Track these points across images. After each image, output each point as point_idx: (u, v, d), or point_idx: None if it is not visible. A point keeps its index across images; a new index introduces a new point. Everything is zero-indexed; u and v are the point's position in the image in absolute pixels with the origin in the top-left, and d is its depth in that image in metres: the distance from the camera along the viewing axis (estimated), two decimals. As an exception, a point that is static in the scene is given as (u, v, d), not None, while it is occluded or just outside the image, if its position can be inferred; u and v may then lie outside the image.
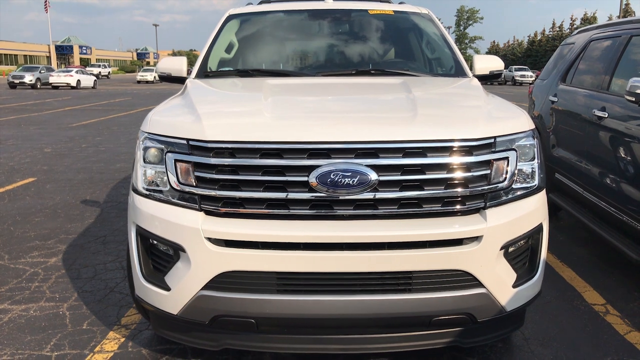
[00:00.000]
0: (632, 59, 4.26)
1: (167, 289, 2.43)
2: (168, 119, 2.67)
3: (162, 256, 2.50)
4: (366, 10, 4.25)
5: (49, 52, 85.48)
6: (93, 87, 37.03)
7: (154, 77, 46.34)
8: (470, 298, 2.35)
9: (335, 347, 2.52)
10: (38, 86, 35.62)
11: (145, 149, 2.52)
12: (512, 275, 2.47)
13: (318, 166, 2.25)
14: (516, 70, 48.22)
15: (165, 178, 2.43)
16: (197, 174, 2.35)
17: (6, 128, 13.11)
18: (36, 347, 2.96)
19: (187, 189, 2.37)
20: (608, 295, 3.69)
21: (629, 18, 4.80)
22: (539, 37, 76.44)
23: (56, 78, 35.69)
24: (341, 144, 2.28)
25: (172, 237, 2.37)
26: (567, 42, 5.92)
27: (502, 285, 2.41)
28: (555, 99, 5.31)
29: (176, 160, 2.40)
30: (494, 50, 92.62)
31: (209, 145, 2.33)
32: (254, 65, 4.06)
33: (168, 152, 2.43)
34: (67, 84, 35.43)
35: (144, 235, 2.51)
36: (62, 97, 26.65)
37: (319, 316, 2.32)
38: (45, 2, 76.31)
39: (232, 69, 4.01)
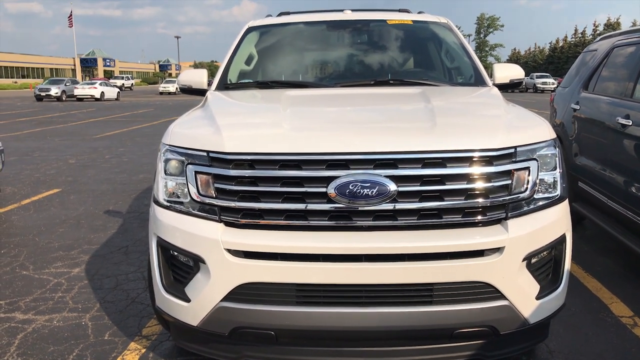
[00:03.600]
0: (657, 66, 4.18)
1: (187, 300, 2.44)
2: (188, 131, 2.70)
3: (182, 267, 2.52)
4: (385, 21, 4.25)
5: (74, 64, 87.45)
6: (116, 99, 37.71)
7: (176, 88, 46.96)
8: (493, 310, 2.31)
9: (355, 359, 2.50)
10: (63, 98, 36.40)
11: (166, 160, 2.55)
12: (535, 287, 2.42)
13: (337, 177, 2.25)
14: (537, 77, 47.78)
15: (186, 190, 2.45)
16: (217, 185, 2.37)
17: (33, 140, 13.40)
18: (59, 357, 3.00)
19: (207, 200, 2.39)
20: (636, 306, 3.59)
21: (653, 24, 4.72)
22: (560, 44, 75.58)
23: (81, 90, 36.46)
24: (360, 155, 2.28)
25: (192, 248, 2.39)
26: (589, 48, 5.84)
27: (524, 297, 2.37)
28: (577, 107, 5.23)
29: (196, 172, 2.42)
30: (515, 58, 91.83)
31: (229, 157, 2.35)
32: (273, 77, 4.08)
33: (189, 164, 2.45)
34: (92, 95, 36.16)
35: (164, 247, 2.53)
36: (86, 108, 27.17)
37: (339, 328, 2.31)
38: (70, 17, 78.12)
39: (251, 80, 4.04)
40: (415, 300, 2.29)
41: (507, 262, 2.28)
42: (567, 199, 2.59)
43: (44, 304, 3.69)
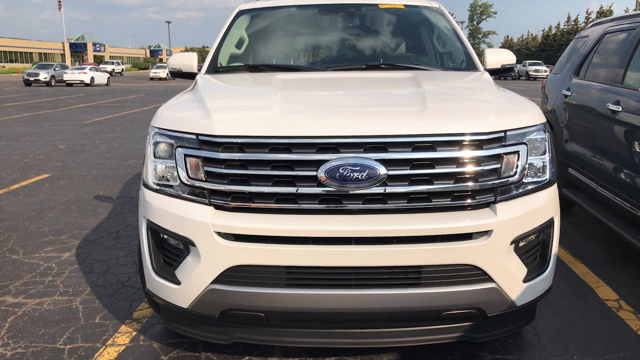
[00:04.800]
0: (647, 52, 4.19)
1: (178, 282, 2.45)
2: (178, 114, 2.69)
3: (172, 250, 2.52)
4: (377, 5, 4.22)
5: (63, 49, 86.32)
6: (107, 84, 37.33)
7: (167, 74, 46.60)
8: (480, 293, 2.33)
9: (345, 340, 2.53)
10: (52, 83, 35.97)
11: (156, 144, 2.54)
12: (523, 270, 2.45)
13: (327, 160, 2.25)
14: (530, 64, 47.82)
15: (175, 173, 2.45)
16: (206, 168, 2.36)
17: (21, 125, 13.27)
18: (50, 340, 3.00)
19: (196, 183, 2.38)
20: (621, 290, 3.65)
21: (644, 10, 4.72)
22: (553, 31, 75.54)
23: (70, 75, 36.01)
24: (350, 139, 2.28)
25: (182, 231, 2.39)
26: (581, 35, 5.85)
27: (512, 279, 2.40)
28: (568, 93, 5.25)
29: (186, 155, 2.41)
30: (507, 45, 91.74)
31: (218, 140, 2.34)
32: (264, 60, 4.06)
33: (178, 147, 2.44)
34: (81, 81, 35.75)
35: (154, 230, 2.53)
36: (76, 94, 26.91)
37: (328, 310, 2.33)
38: (59, 0, 76.96)
39: (242, 64, 4.01)
40: (404, 283, 2.31)
41: (495, 245, 2.31)
42: (555, 183, 2.61)
43: (34, 288, 3.68)
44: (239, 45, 4.13)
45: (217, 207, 2.36)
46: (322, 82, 3.35)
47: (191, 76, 3.82)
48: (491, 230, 2.29)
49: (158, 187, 2.51)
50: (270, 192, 2.30)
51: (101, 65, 55.90)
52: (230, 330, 2.54)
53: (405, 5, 4.27)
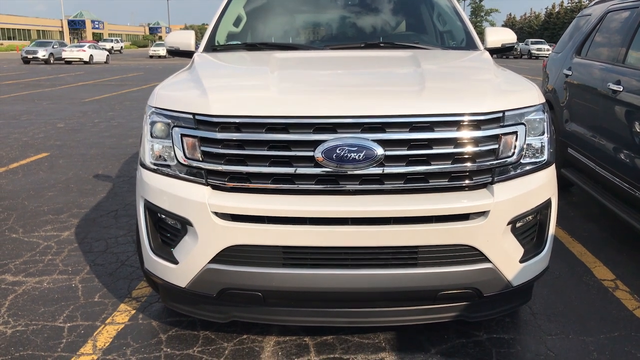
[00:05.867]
0: (649, 31, 4.15)
1: (175, 262, 2.46)
2: (174, 93, 2.67)
3: (170, 230, 2.53)
4: None
5: (62, 26, 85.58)
6: (106, 62, 37.08)
7: (167, 51, 46.24)
8: (476, 273, 2.35)
9: (342, 319, 2.55)
10: (51, 61, 35.72)
11: (152, 123, 2.52)
12: (520, 251, 2.46)
13: (324, 141, 2.24)
14: (532, 43, 47.41)
15: (172, 153, 2.44)
16: (203, 148, 2.36)
17: (20, 103, 13.21)
18: (49, 318, 3.03)
19: (193, 163, 2.37)
20: (618, 271, 3.67)
21: (648, -12, 4.65)
22: (557, 9, 74.69)
23: (69, 53, 35.79)
24: (347, 119, 2.27)
25: (179, 211, 2.39)
26: (583, 13, 5.78)
27: (508, 260, 2.40)
28: (569, 73, 5.20)
29: (182, 135, 2.40)
30: (510, 23, 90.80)
31: (215, 119, 2.33)
32: (262, 39, 4.02)
33: (174, 126, 2.43)
34: (80, 59, 35.52)
35: (152, 210, 2.53)
36: (75, 72, 26.73)
37: (325, 289, 2.34)
38: (57, -24, 75.92)
39: (239, 42, 3.98)
40: (400, 263, 2.32)
41: (492, 226, 2.31)
42: (554, 164, 2.60)
43: (34, 267, 3.70)
44: (236, 23, 4.09)
45: (214, 187, 2.36)
46: (320, 61, 3.32)
47: (189, 54, 3.79)
48: (488, 211, 2.29)
49: (155, 167, 2.51)
50: (268, 172, 2.30)
51: (100, 43, 55.48)
52: (228, 309, 2.56)
53: (405, -18, 4.21)
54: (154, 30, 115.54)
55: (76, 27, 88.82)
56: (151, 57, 47.74)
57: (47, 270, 3.64)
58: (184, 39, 3.83)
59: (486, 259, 2.34)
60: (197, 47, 3.83)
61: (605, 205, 4.16)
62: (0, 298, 3.26)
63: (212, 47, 3.75)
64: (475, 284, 2.37)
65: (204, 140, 2.36)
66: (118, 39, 70.42)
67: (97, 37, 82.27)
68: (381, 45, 3.69)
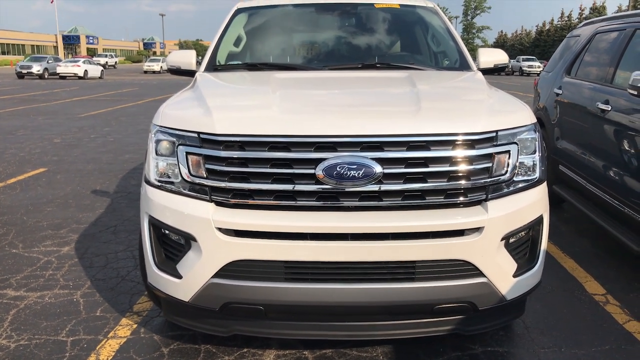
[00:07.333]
0: (636, 52, 4.29)
1: (179, 277, 2.52)
2: (179, 112, 2.76)
3: (173, 245, 2.59)
4: (373, 4, 4.29)
5: (56, 41, 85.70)
6: (100, 77, 37.15)
7: (161, 67, 46.40)
8: (472, 287, 2.42)
9: (341, 333, 2.61)
10: (46, 76, 35.75)
11: (157, 141, 2.60)
12: (513, 265, 2.54)
13: (324, 159, 2.33)
14: (524, 60, 48.03)
15: (177, 170, 2.51)
16: (207, 166, 2.43)
17: (16, 118, 13.24)
18: (52, 332, 3.07)
19: (198, 180, 2.45)
20: (608, 285, 3.75)
21: (634, 11, 4.82)
22: (547, 27, 75.76)
23: (63, 68, 35.84)
24: (347, 138, 2.35)
25: (183, 227, 2.46)
26: (573, 34, 5.95)
27: (502, 274, 2.49)
28: (560, 91, 5.34)
29: (187, 153, 2.48)
30: (501, 41, 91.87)
31: (219, 138, 2.41)
32: (262, 59, 4.12)
33: (179, 144, 2.51)
34: (75, 74, 35.57)
35: (156, 225, 2.60)
36: (69, 87, 26.79)
37: (325, 303, 2.41)
38: (52, -8, 76.34)
39: (240, 62, 4.07)
40: (398, 277, 2.39)
41: (486, 242, 2.39)
42: (545, 181, 2.70)
43: (35, 282, 3.74)
44: (237, 43, 4.19)
45: (218, 203, 2.43)
46: (320, 82, 3.42)
47: (190, 73, 3.88)
48: (482, 227, 2.38)
49: (160, 184, 2.58)
50: (270, 189, 2.38)
51: (94, 58, 55.55)
52: (229, 323, 2.62)
53: (401, 5, 4.34)
54: (148, 45, 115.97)
55: (71, 42, 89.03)
56: (145, 72, 47.76)
57: (48, 285, 3.69)
58: (185, 58, 3.93)
59: (481, 274, 2.42)
60: (197, 65, 3.93)
61: (595, 221, 4.27)
62: (3, 312, 3.29)
63: (213, 67, 3.84)
64: (471, 297, 2.45)
65: (208, 158, 2.44)
66: (112, 54, 70.61)
67: (92, 52, 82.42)
68: (378, 65, 3.80)
